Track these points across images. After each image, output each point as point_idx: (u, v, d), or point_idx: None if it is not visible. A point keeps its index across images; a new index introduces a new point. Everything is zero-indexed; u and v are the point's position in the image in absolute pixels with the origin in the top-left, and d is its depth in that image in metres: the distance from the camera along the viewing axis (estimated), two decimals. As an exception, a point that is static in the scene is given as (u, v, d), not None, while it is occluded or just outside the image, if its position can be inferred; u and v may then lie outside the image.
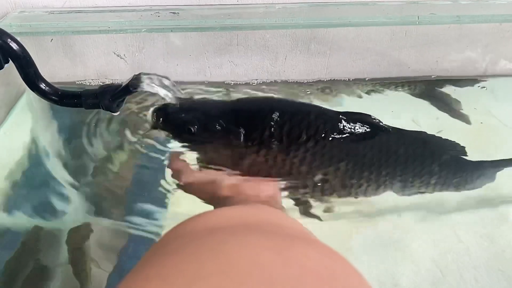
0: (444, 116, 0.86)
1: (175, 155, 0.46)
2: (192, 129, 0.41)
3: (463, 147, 0.52)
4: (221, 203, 0.40)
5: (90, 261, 0.64)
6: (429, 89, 0.93)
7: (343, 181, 0.45)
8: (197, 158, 0.46)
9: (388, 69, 0.95)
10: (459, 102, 0.90)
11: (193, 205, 0.63)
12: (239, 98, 0.43)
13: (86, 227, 0.68)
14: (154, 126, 0.42)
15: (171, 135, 0.43)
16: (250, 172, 0.43)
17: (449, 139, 0.51)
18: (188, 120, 0.42)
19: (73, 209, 0.70)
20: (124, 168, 0.76)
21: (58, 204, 0.70)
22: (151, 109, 0.42)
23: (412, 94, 0.92)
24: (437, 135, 0.49)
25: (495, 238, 0.66)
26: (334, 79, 0.94)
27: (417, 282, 0.61)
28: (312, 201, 0.49)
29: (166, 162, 0.74)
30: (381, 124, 0.44)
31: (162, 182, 0.73)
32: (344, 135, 0.43)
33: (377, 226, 0.68)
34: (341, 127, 0.43)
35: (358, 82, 0.94)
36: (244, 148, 0.42)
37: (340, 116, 0.44)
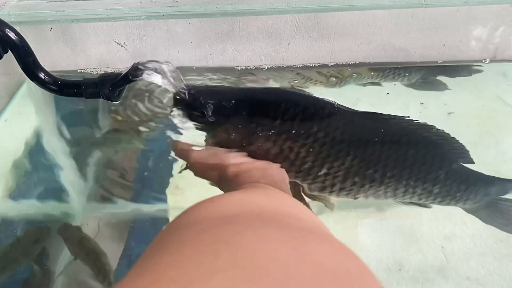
0: (451, 101, 0.85)
1: (178, 140, 0.47)
2: (205, 112, 0.43)
3: (468, 153, 0.50)
4: (228, 183, 0.41)
5: (99, 244, 0.64)
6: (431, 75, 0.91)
7: (346, 176, 0.45)
8: (206, 138, 0.48)
9: (394, 54, 0.93)
10: (467, 86, 0.89)
11: (195, 192, 0.64)
12: (256, 87, 0.45)
13: (94, 212, 0.68)
14: (174, 108, 0.45)
15: (188, 117, 0.45)
16: (257, 156, 0.44)
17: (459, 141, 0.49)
18: (202, 104, 0.44)
19: (78, 194, 0.71)
20: (128, 154, 0.77)
21: (63, 190, 0.71)
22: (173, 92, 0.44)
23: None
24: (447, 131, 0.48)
25: (503, 225, 0.66)
26: (339, 64, 0.93)
27: (424, 269, 0.61)
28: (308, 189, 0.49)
29: (170, 147, 0.74)
30: (392, 122, 0.44)
31: (166, 167, 0.73)
32: (354, 131, 0.43)
33: (384, 213, 0.68)
34: (353, 123, 0.43)
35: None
36: (254, 133, 0.43)
37: (354, 113, 0.44)
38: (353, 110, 0.45)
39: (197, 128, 0.45)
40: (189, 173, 0.46)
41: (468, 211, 0.54)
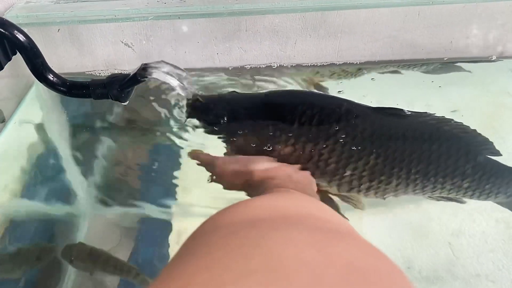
0: (457, 97, 0.84)
1: (197, 151, 0.47)
2: (221, 120, 0.42)
3: (492, 144, 0.49)
4: (254, 189, 0.41)
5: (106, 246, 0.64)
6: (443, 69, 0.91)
7: (371, 174, 0.44)
8: (226, 149, 0.47)
9: (401, 51, 0.93)
10: (474, 83, 0.88)
11: (203, 194, 0.63)
12: (270, 91, 0.44)
13: (101, 213, 0.68)
14: (189, 117, 0.44)
15: (203, 126, 0.44)
16: (279, 160, 0.43)
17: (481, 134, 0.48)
18: (217, 111, 0.44)
19: (85, 195, 0.71)
20: (135, 156, 0.77)
21: (71, 191, 0.71)
22: (186, 101, 0.44)
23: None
24: (458, 121, 0.46)
25: (511, 222, 0.65)
26: (346, 63, 0.93)
27: (433, 266, 0.61)
28: (334, 193, 0.48)
29: (181, 152, 0.74)
30: (411, 117, 0.44)
31: (173, 170, 0.73)
32: (374, 129, 0.42)
33: (393, 210, 0.67)
34: (372, 120, 0.43)
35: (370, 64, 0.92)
36: (273, 138, 0.42)
37: (372, 110, 0.43)
38: (369, 106, 0.44)
39: (216, 136, 0.45)
40: (194, 174, 0.46)
41: (503, 205, 0.53)
